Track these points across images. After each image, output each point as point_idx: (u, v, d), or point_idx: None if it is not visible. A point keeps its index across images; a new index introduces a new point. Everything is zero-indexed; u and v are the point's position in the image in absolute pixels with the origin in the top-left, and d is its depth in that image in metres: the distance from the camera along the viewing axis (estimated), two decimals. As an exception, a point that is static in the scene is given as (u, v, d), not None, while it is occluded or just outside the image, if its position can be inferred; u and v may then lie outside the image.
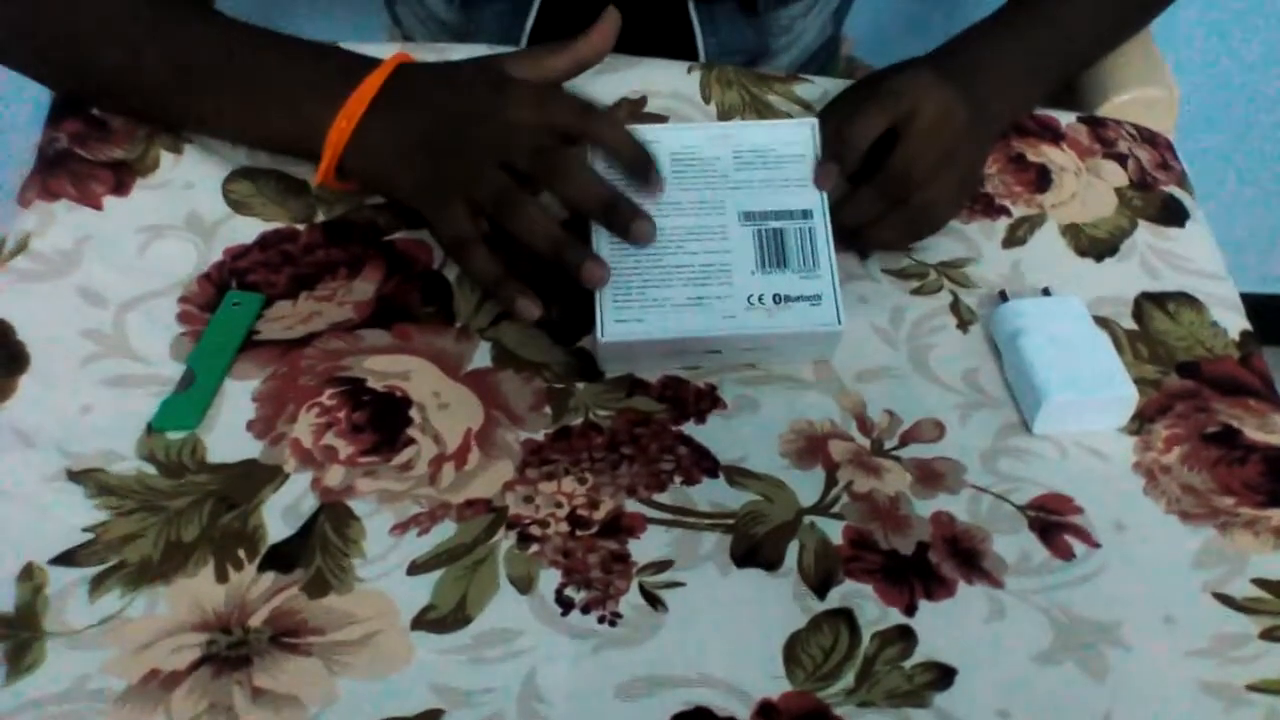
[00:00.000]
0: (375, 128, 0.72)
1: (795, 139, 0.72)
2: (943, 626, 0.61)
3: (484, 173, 0.70)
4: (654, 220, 0.69)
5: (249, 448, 0.65)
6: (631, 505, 0.65)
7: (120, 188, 0.75)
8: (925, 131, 0.72)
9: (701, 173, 0.71)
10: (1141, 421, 0.71)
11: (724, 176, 0.71)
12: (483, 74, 0.73)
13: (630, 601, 0.61)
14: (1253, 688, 0.60)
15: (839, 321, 0.69)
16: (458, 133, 0.71)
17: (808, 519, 0.65)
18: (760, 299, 0.69)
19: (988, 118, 0.77)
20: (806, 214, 0.71)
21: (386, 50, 0.76)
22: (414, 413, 0.67)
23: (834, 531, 0.65)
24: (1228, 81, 1.49)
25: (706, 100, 0.84)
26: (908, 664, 0.60)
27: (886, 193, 0.74)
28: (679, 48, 0.90)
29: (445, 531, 0.63)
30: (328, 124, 0.72)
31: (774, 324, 0.69)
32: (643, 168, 0.69)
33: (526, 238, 0.68)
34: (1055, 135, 0.87)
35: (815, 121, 0.73)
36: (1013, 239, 0.80)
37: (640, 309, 0.69)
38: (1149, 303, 0.77)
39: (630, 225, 0.68)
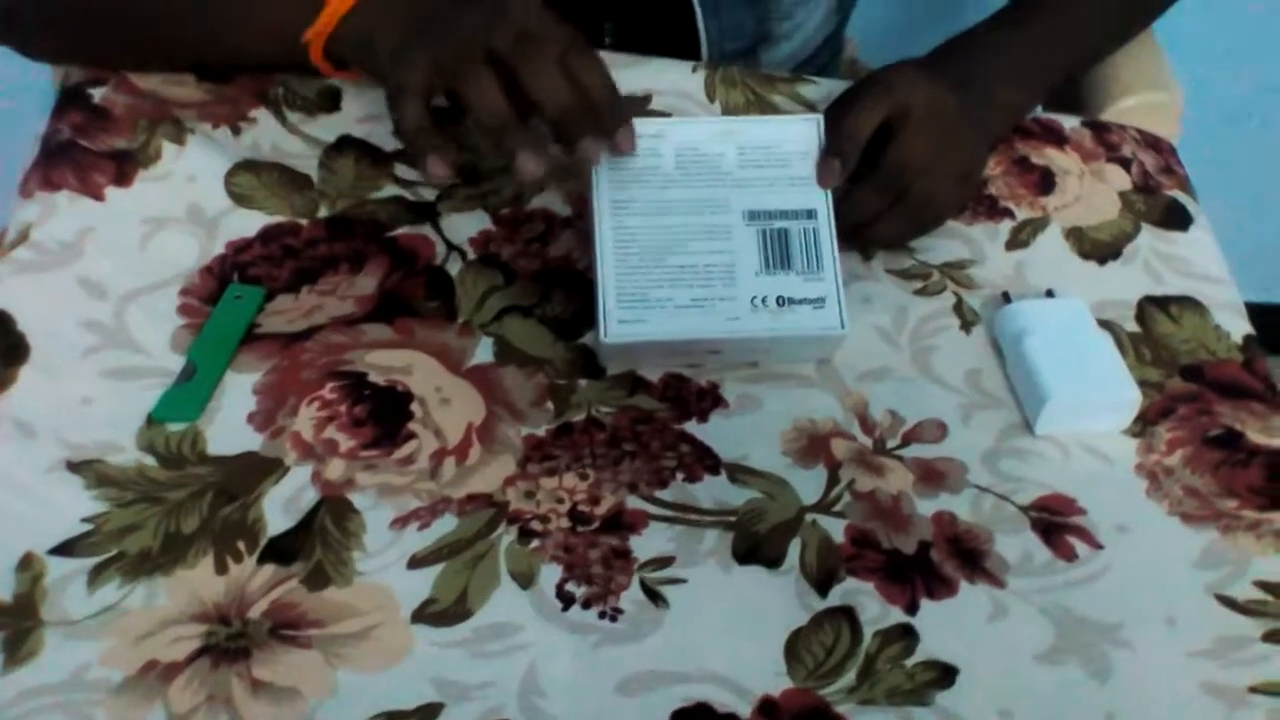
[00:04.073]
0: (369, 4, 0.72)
1: (801, 135, 0.72)
2: (944, 625, 0.61)
3: (459, 39, 0.67)
4: (611, 143, 0.68)
5: (249, 440, 0.65)
6: (633, 502, 0.65)
7: (122, 178, 0.75)
8: (918, 123, 0.73)
9: (706, 170, 0.71)
10: (1144, 424, 0.71)
11: (729, 174, 0.71)
12: None
13: (631, 597, 0.61)
14: (1255, 689, 0.60)
15: (842, 326, 0.69)
16: (453, 7, 0.69)
17: (810, 517, 0.65)
18: (764, 301, 0.69)
19: (985, 110, 0.78)
20: (811, 214, 0.71)
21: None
22: (415, 407, 0.67)
23: (836, 530, 0.64)
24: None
25: (711, 99, 0.84)
26: (909, 662, 0.60)
27: (885, 188, 0.74)
28: (680, 31, 0.90)
29: (446, 526, 0.63)
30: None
31: (777, 327, 0.69)
32: (580, 120, 0.67)
33: (474, 104, 0.66)
34: (1059, 138, 0.87)
35: (820, 118, 0.72)
36: (1016, 241, 0.80)
37: (643, 309, 0.68)
38: (1152, 306, 0.77)
39: (582, 140, 0.67)
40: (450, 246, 0.75)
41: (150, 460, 0.64)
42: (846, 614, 0.61)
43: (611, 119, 0.68)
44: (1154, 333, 0.76)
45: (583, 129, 0.67)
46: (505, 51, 0.66)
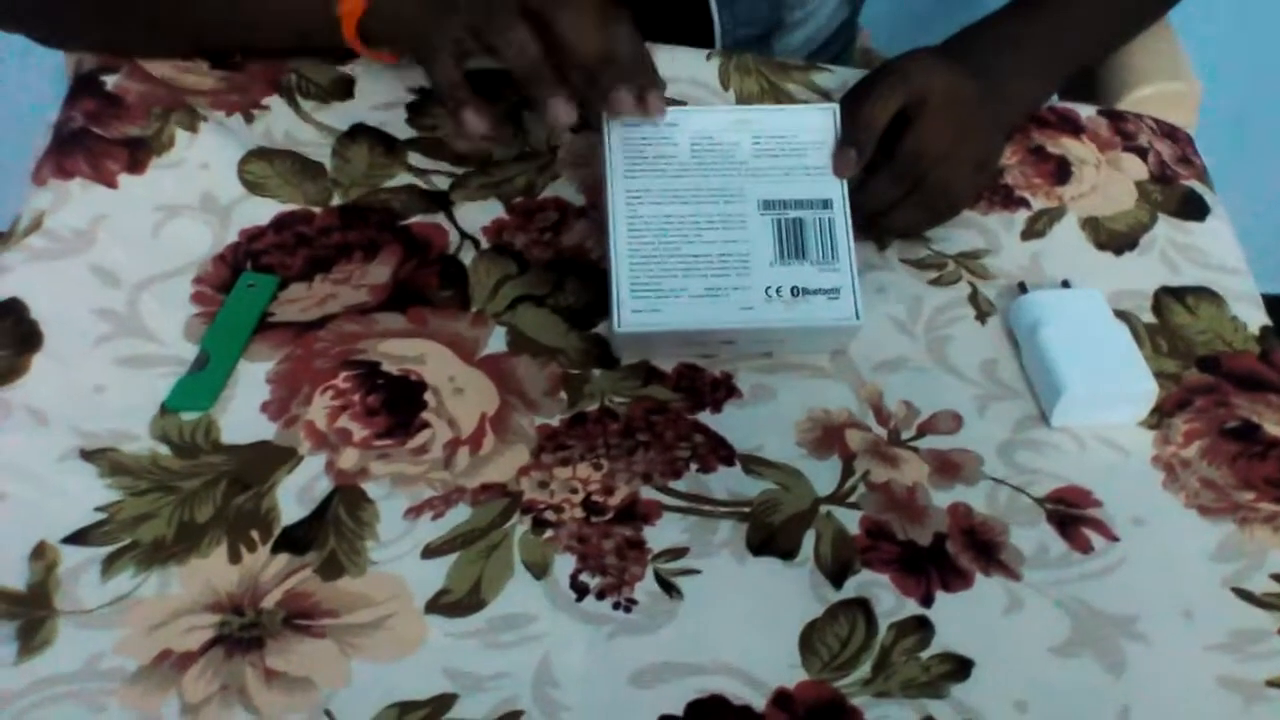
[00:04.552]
0: None
1: (816, 125, 0.71)
2: (960, 618, 0.61)
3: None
4: (641, 101, 0.67)
5: (263, 429, 0.65)
6: (647, 492, 0.64)
7: (135, 166, 0.75)
8: (936, 111, 0.72)
9: (721, 159, 0.70)
10: (1161, 415, 0.70)
11: (743, 163, 0.71)
12: None
13: (645, 588, 0.61)
14: (1272, 683, 0.60)
15: (857, 316, 0.68)
16: None
17: (824, 508, 0.65)
18: (778, 291, 0.69)
19: (1002, 99, 0.77)
20: (826, 204, 0.70)
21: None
22: (429, 396, 0.67)
23: (851, 521, 0.64)
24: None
25: (725, 87, 0.84)
26: (925, 655, 0.59)
27: (902, 176, 0.73)
28: (693, 17, 0.90)
29: (459, 515, 0.63)
30: None
31: (791, 317, 0.68)
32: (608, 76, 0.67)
33: (507, 52, 0.66)
34: (1075, 128, 0.86)
35: (836, 107, 0.72)
36: (1032, 231, 0.79)
37: (657, 299, 0.68)
38: (1168, 297, 0.76)
39: (614, 90, 0.66)
40: (463, 235, 0.75)
41: (164, 449, 0.64)
42: (861, 606, 0.61)
43: (645, 76, 0.68)
44: (1170, 324, 0.75)
45: (614, 78, 0.67)
46: (539, 4, 0.66)
